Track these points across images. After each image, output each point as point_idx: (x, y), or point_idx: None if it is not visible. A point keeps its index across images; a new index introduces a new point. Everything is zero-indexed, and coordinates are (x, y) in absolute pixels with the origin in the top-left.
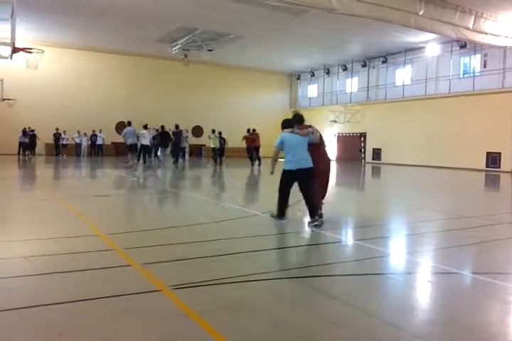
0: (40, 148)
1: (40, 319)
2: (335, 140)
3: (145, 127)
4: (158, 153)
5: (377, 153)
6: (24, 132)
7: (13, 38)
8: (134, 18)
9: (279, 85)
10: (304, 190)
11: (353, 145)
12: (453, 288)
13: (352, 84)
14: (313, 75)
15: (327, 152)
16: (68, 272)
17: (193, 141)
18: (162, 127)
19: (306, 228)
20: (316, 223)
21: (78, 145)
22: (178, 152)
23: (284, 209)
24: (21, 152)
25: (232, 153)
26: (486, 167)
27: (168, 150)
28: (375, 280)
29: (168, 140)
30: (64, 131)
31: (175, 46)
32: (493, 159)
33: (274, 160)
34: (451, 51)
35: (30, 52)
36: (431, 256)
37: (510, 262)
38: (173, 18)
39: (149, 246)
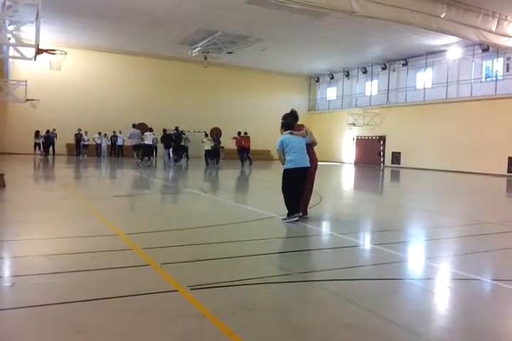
0: (61, 148)
1: (59, 316)
2: (353, 143)
3: (150, 129)
4: (171, 155)
5: (396, 157)
6: (37, 133)
7: (37, 39)
8: (154, 21)
9: (298, 88)
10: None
11: (372, 149)
12: (472, 294)
13: (372, 87)
14: (332, 78)
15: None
16: (88, 271)
17: None
18: (164, 130)
19: (326, 231)
20: (291, 219)
21: (98, 146)
22: (178, 152)
23: (297, 206)
24: (40, 150)
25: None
26: (508, 172)
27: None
28: (393, 285)
29: (171, 141)
30: (85, 132)
31: (195, 49)
32: None
33: (282, 158)
34: (473, 54)
35: (53, 54)
36: (450, 262)
37: None
38: (193, 21)
39: (167, 246)
